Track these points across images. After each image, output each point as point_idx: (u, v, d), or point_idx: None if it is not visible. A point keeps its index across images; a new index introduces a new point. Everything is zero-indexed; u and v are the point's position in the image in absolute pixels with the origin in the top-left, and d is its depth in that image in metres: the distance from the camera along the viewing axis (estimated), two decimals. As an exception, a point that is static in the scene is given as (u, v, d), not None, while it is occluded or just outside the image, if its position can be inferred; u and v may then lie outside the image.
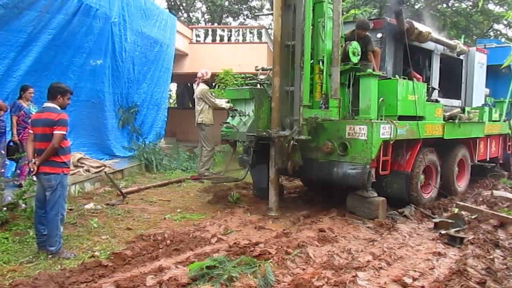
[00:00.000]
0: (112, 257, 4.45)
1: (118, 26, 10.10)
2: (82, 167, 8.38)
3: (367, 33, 6.96)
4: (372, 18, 11.02)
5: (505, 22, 20.03)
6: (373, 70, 6.49)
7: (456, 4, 21.43)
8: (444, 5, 21.60)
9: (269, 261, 4.24)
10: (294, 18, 6.46)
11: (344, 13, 9.82)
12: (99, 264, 4.21)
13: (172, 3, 26.14)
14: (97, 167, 8.61)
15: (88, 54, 9.17)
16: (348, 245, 5.07)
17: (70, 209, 6.47)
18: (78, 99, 9.16)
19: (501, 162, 10.63)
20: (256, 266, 4.11)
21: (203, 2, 26.48)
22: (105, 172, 8.32)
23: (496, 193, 8.14)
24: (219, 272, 3.91)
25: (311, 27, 6.35)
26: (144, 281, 3.77)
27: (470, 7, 21.03)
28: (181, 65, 16.06)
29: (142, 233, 5.47)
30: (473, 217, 6.35)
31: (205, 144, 8.01)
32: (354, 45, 6.54)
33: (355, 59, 6.52)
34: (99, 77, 9.73)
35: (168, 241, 5.01)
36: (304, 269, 4.26)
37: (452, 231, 5.54)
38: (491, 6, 19.83)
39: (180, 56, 15.51)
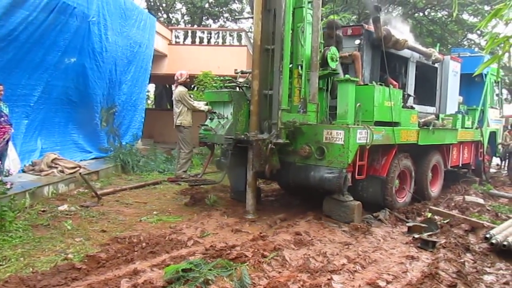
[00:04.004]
0: (86, 260, 4.38)
1: (97, 25, 9.95)
2: (56, 167, 8.21)
3: (337, 32, 7.06)
4: (350, 24, 11.17)
5: (479, 32, 20.62)
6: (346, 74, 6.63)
7: (432, 13, 21.94)
8: (421, 14, 22.11)
9: (245, 264, 4.25)
10: (274, 22, 6.50)
11: (324, 18, 9.93)
12: (72, 267, 4.13)
13: (152, 4, 25.91)
14: (72, 168, 8.44)
15: (63, 52, 9.00)
16: (324, 248, 5.12)
17: (43, 211, 6.34)
18: (49, 97, 9.00)
19: (473, 168, 10.92)
20: (232, 269, 4.11)
21: (183, 3, 26.31)
22: (80, 173, 8.17)
23: (468, 198, 8.36)
24: (195, 275, 3.90)
25: (291, 32, 6.41)
26: (119, 284, 3.73)
27: (445, 17, 21.57)
28: (160, 66, 15.91)
29: (117, 235, 5.39)
30: (445, 221, 6.50)
31: (183, 146, 7.95)
32: (333, 51, 6.64)
33: (333, 65, 6.63)
34: (73, 75, 9.56)
35: (144, 244, 4.96)
36: (280, 272, 4.28)
37: (425, 235, 5.65)
38: (465, 16, 20.39)
39: (159, 57, 15.37)
